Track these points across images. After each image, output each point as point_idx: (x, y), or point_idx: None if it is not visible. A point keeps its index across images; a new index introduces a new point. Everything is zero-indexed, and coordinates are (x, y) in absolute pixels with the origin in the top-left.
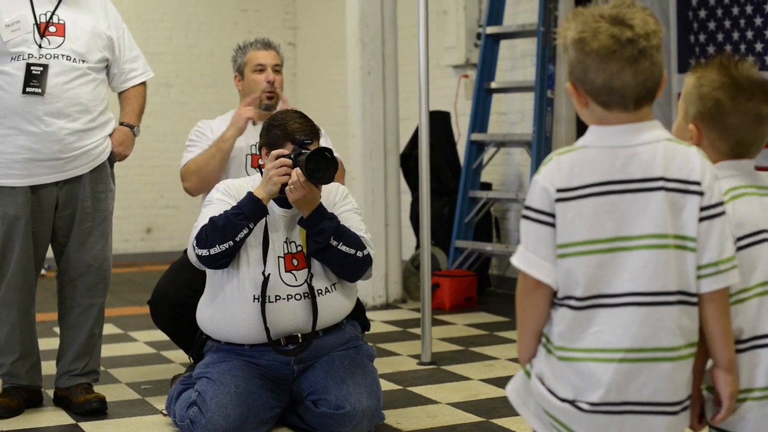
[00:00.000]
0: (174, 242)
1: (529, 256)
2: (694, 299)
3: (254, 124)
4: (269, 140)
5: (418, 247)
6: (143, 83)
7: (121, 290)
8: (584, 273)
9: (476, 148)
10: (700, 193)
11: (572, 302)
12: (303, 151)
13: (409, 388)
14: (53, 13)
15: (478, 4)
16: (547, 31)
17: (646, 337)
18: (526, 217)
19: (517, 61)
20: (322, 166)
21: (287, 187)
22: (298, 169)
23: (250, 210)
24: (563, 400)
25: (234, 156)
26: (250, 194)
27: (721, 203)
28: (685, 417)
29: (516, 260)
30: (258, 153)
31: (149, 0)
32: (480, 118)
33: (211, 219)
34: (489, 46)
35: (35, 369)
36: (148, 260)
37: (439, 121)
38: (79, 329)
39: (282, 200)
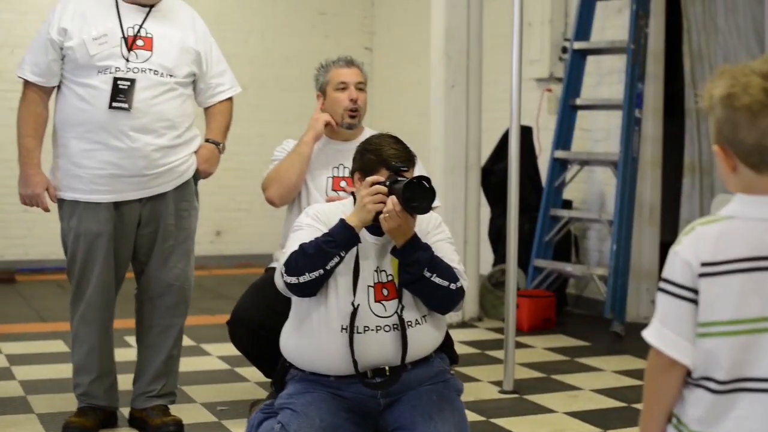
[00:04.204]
0: (243, 246)
1: (666, 334)
2: None
3: (333, 126)
4: (363, 165)
5: (495, 263)
6: (230, 98)
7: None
8: (728, 355)
9: (559, 166)
10: None
11: (712, 385)
12: (399, 178)
13: (493, 420)
14: (141, 26)
15: (564, 17)
16: (638, 48)
17: None
18: (664, 290)
19: (603, 77)
20: (419, 196)
21: (381, 216)
22: (393, 198)
23: (342, 238)
24: None
25: (314, 179)
26: (342, 221)
27: None
28: None
29: (651, 337)
30: (350, 176)
31: (227, 1)
32: (564, 135)
33: (302, 246)
34: (576, 62)
35: (112, 389)
36: (217, 264)
37: (521, 136)
38: (158, 349)
39: (374, 227)
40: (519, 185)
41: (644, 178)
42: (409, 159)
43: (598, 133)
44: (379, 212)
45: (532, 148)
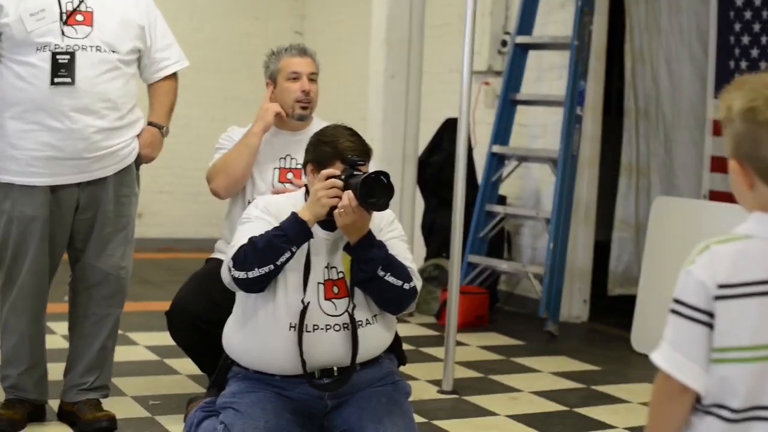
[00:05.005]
0: (166, 229)
1: (677, 358)
2: None
3: (283, 117)
4: (317, 157)
5: (428, 258)
6: (174, 75)
7: None
8: (745, 382)
9: (497, 161)
10: None
11: (725, 413)
12: (355, 172)
13: (435, 422)
14: (81, 1)
15: (505, 11)
16: (582, 45)
17: None
18: (676, 312)
19: (543, 73)
20: (377, 192)
21: (336, 211)
22: (350, 193)
23: (294, 233)
24: None
25: (261, 170)
26: (294, 215)
27: None
28: None
29: (661, 360)
30: (302, 168)
31: None
32: (503, 130)
33: (251, 239)
34: (517, 56)
35: (42, 381)
36: (139, 247)
37: (458, 129)
38: (92, 340)
39: (326, 221)
40: (452, 180)
41: (581, 176)
42: (366, 152)
43: (536, 129)
44: (334, 207)
45: (468, 141)
